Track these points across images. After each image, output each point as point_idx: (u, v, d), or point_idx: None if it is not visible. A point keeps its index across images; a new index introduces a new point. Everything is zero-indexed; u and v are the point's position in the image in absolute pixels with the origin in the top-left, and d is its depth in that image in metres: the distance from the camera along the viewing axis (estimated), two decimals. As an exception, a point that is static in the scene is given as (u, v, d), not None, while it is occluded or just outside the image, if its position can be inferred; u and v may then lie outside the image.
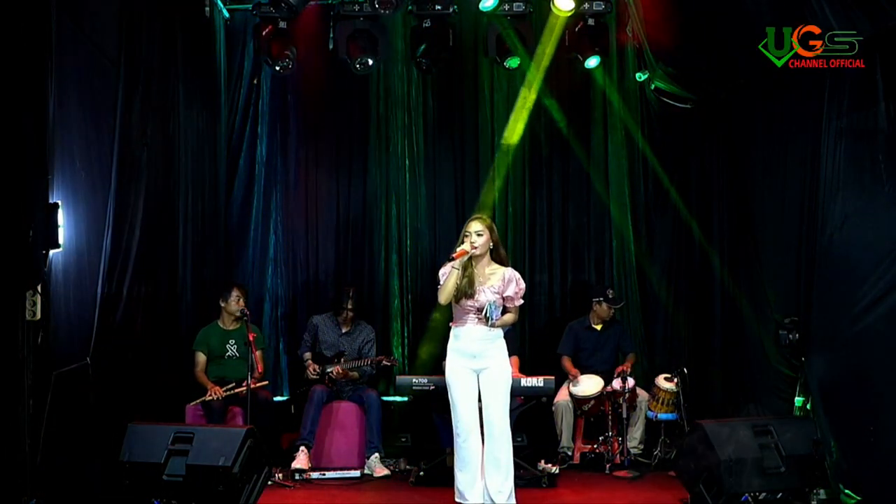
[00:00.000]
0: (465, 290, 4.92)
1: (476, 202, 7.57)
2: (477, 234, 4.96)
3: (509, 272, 5.01)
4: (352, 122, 7.66)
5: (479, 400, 5.02)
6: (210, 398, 6.10)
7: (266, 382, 6.35)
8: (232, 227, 7.43)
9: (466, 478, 4.95)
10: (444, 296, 4.95)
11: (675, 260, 7.47)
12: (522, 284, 5.05)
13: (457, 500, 4.99)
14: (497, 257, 5.06)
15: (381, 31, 7.06)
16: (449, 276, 4.92)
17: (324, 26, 7.13)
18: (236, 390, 6.17)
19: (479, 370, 4.99)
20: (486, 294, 4.94)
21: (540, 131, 7.61)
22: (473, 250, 4.93)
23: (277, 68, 6.99)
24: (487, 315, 4.91)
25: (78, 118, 4.86)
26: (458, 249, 4.94)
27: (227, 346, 6.44)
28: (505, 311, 5.01)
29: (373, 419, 6.39)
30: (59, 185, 4.54)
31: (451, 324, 5.14)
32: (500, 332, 5.03)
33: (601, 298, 6.88)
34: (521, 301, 5.07)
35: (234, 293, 6.44)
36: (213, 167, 7.08)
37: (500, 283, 4.97)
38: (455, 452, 5.02)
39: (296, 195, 7.59)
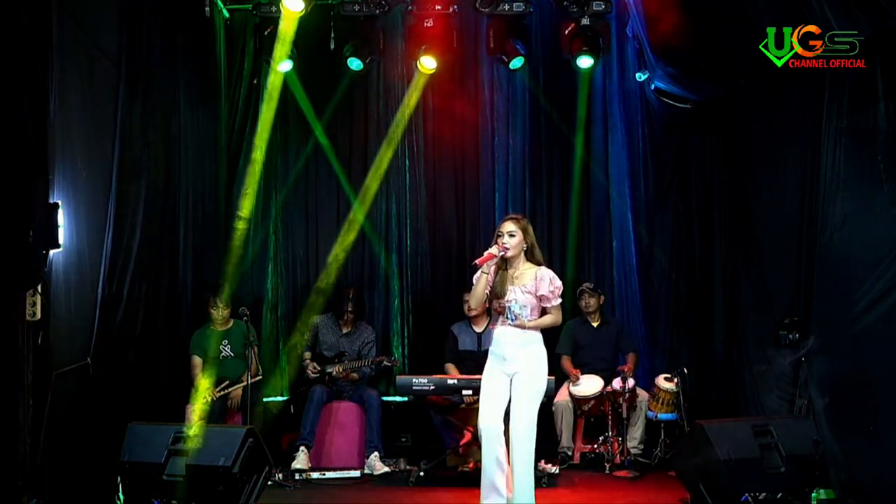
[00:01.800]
0: (497, 290, 4.83)
1: (476, 202, 7.59)
2: (509, 235, 4.83)
3: (542, 271, 4.85)
4: (352, 122, 7.66)
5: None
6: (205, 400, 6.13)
7: (259, 377, 6.32)
8: (232, 226, 7.41)
9: (488, 472, 4.75)
10: (474, 301, 4.88)
11: (676, 260, 7.47)
12: (558, 283, 4.85)
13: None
14: (532, 258, 4.91)
15: (381, 30, 7.07)
16: (478, 281, 4.82)
17: (324, 26, 7.12)
18: (229, 389, 6.26)
19: (511, 374, 4.83)
20: (517, 293, 4.80)
21: (540, 131, 7.62)
22: (503, 252, 4.79)
23: (283, 68, 6.99)
24: (507, 314, 4.80)
25: (79, 118, 4.87)
26: (486, 252, 4.81)
27: (221, 346, 6.49)
28: (544, 312, 4.86)
29: (373, 419, 6.39)
30: (59, 185, 4.54)
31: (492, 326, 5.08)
32: (533, 336, 4.84)
33: (580, 291, 6.97)
34: (560, 300, 4.87)
35: (211, 303, 6.47)
36: (213, 167, 7.08)
37: (533, 281, 4.81)
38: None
39: (296, 195, 7.59)
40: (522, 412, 4.76)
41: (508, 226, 4.87)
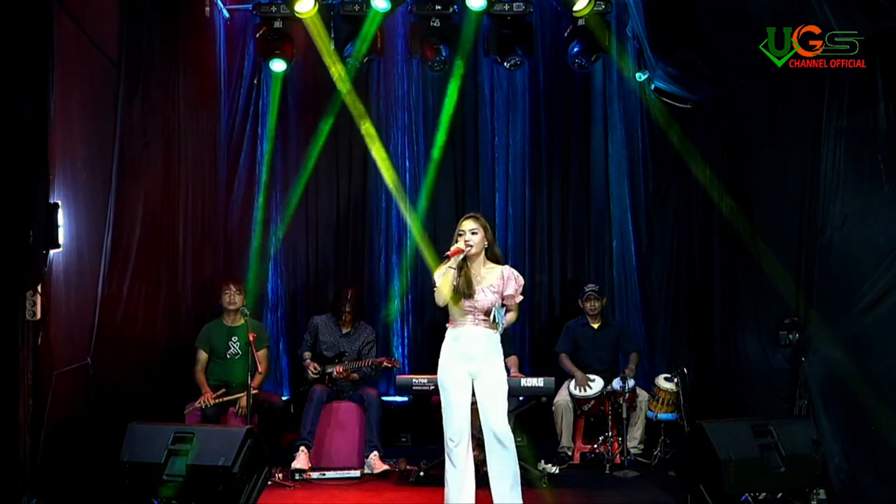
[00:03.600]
0: (464, 290, 4.77)
1: (476, 202, 7.60)
2: (471, 233, 4.82)
3: (507, 270, 4.89)
4: (352, 121, 7.67)
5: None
6: (200, 405, 6.11)
7: (257, 383, 6.22)
8: (232, 227, 7.43)
9: (457, 483, 4.80)
10: (442, 297, 4.79)
11: (676, 260, 7.47)
12: (522, 281, 4.92)
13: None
14: (492, 256, 4.92)
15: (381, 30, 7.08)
16: (444, 276, 4.77)
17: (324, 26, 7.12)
18: (226, 398, 6.18)
19: (474, 374, 4.84)
20: (486, 294, 4.80)
21: (540, 131, 7.62)
22: (468, 249, 4.78)
23: (276, 68, 7.00)
24: (496, 320, 4.77)
25: (79, 118, 4.87)
26: (452, 248, 4.80)
27: (230, 343, 6.39)
28: (506, 310, 4.91)
29: (373, 419, 6.39)
30: (59, 185, 4.54)
31: (447, 325, 4.98)
32: (497, 335, 4.89)
33: (583, 295, 6.93)
34: (521, 297, 4.94)
35: (224, 288, 6.41)
36: (213, 167, 7.08)
37: (500, 281, 4.84)
38: (446, 457, 4.84)
39: (296, 195, 7.59)
40: (501, 412, 4.78)
41: (469, 223, 4.86)
